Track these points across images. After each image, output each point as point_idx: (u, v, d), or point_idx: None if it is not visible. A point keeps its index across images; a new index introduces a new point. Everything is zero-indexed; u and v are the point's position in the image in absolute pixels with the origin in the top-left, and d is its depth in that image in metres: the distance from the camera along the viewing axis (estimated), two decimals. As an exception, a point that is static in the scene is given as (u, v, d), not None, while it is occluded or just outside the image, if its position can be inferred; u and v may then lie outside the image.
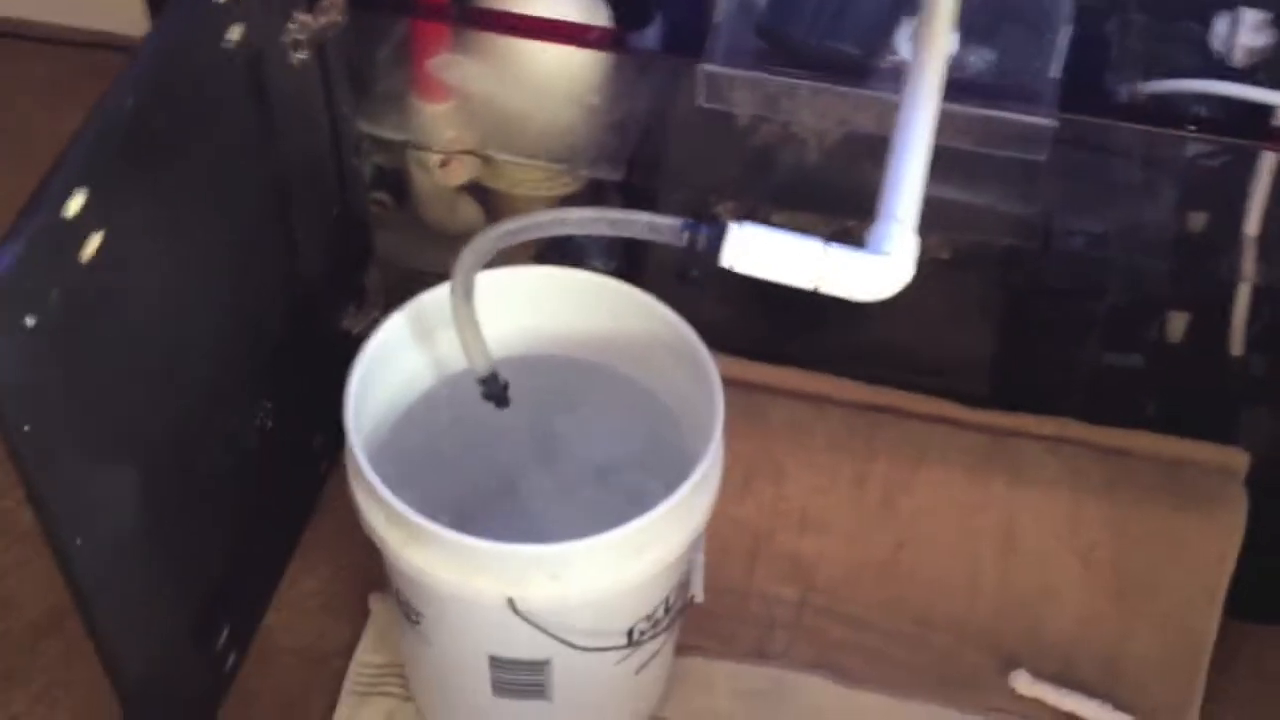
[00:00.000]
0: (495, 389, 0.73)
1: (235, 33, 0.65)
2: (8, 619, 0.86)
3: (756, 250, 0.58)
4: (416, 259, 0.89)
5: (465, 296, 0.68)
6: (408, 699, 0.84)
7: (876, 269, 0.59)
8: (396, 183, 0.91)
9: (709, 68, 0.76)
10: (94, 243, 0.56)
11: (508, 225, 0.63)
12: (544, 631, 0.70)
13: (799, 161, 0.83)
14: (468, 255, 0.65)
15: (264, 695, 0.84)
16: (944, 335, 0.93)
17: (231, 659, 0.79)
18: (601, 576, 0.69)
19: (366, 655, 0.85)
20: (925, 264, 0.90)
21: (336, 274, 0.84)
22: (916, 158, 0.60)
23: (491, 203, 0.91)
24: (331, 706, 0.84)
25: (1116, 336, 0.90)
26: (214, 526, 0.75)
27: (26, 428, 0.54)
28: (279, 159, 0.73)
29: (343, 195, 0.81)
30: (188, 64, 0.62)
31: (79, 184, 0.54)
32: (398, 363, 0.76)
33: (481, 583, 0.68)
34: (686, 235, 0.59)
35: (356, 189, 0.83)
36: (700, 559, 0.80)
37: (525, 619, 0.69)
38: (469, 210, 0.91)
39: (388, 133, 0.85)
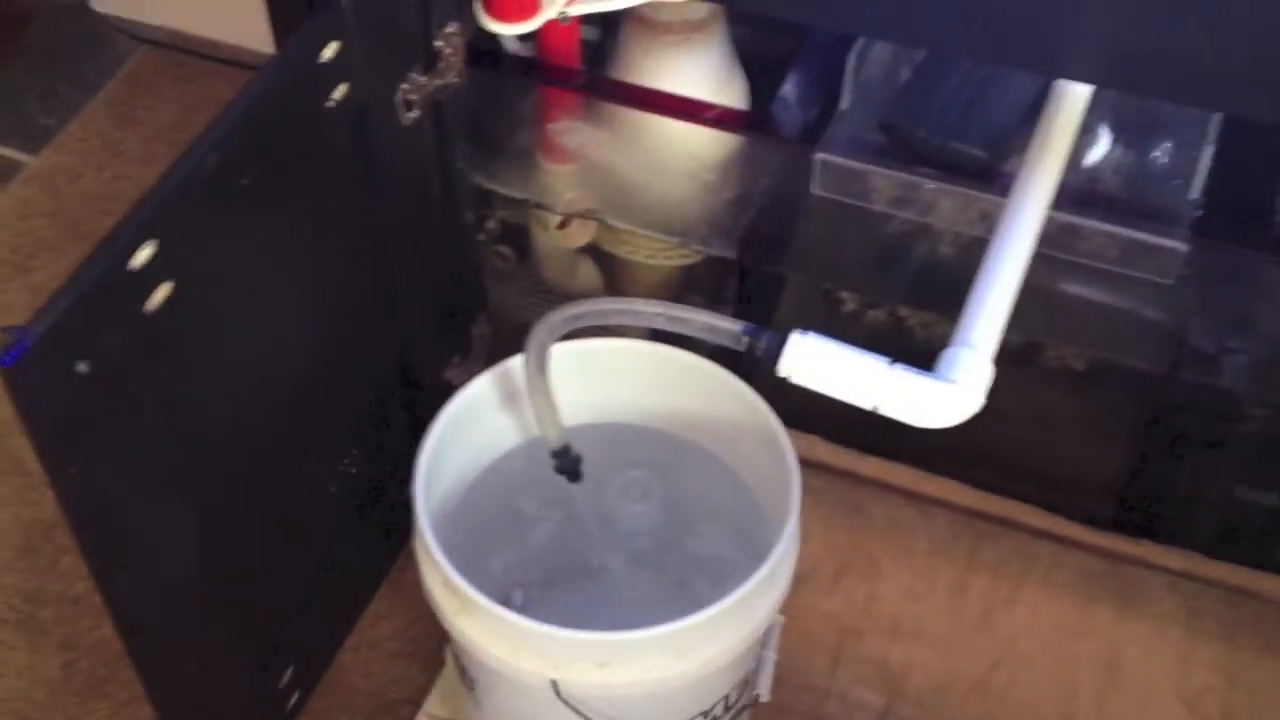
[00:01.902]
0: (568, 463, 0.72)
1: (340, 91, 0.66)
2: (104, 627, 0.88)
3: (817, 363, 0.56)
4: (533, 315, 0.89)
5: (539, 370, 0.67)
6: (468, 757, 0.84)
7: (942, 397, 0.55)
8: (520, 239, 0.91)
9: (824, 157, 0.74)
10: (161, 293, 0.57)
11: (576, 309, 0.62)
12: (588, 719, 0.68)
13: (931, 256, 0.80)
14: (540, 331, 0.65)
15: (329, 735, 0.84)
16: (1068, 449, 0.88)
17: (295, 698, 0.80)
18: (651, 670, 0.67)
19: (434, 708, 0.85)
20: (1058, 372, 0.86)
21: (442, 326, 0.84)
22: (1004, 282, 0.57)
23: (610, 267, 0.90)
24: (394, 753, 0.84)
25: (1254, 471, 0.84)
26: (282, 569, 0.75)
27: (73, 470, 0.55)
28: (382, 213, 0.73)
29: (453, 250, 0.81)
30: (285, 121, 0.63)
31: (148, 236, 0.55)
32: (482, 423, 0.75)
33: (527, 662, 0.67)
34: (746, 340, 0.57)
35: (469, 244, 0.83)
36: (771, 656, 0.77)
37: (569, 704, 0.68)
38: (587, 272, 0.91)
39: (510, 191, 0.86)
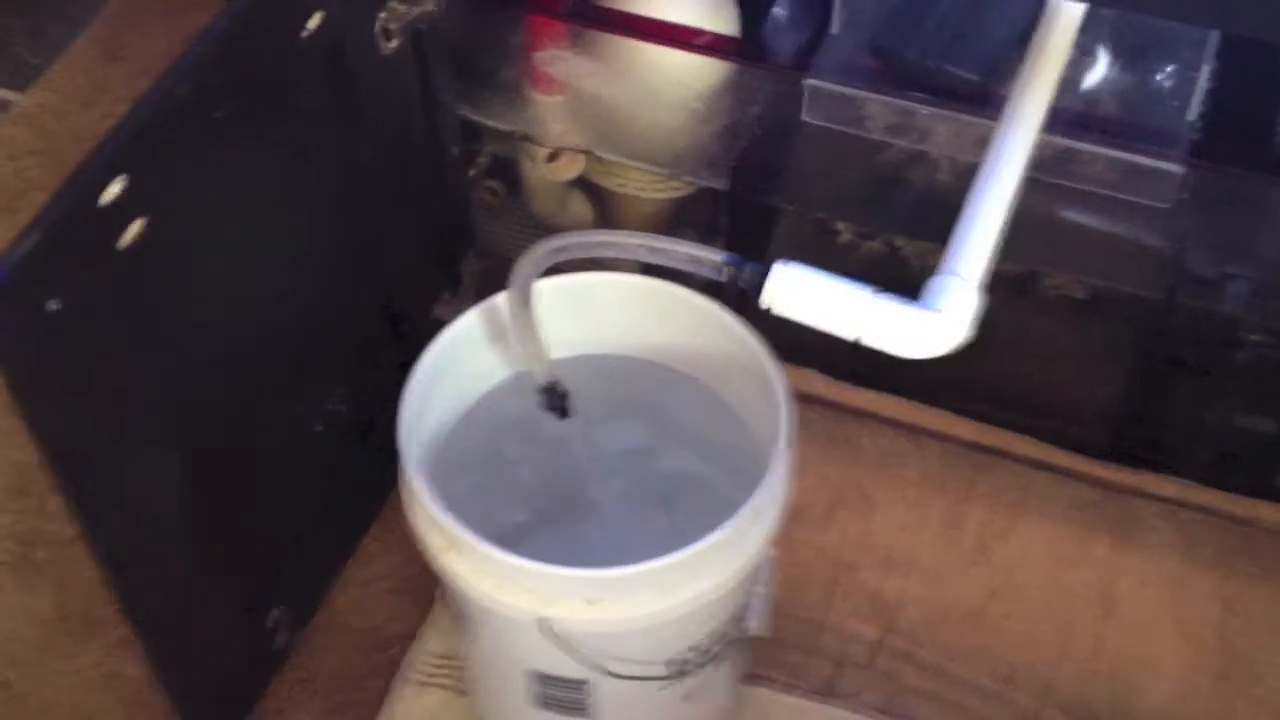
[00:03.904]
0: (555, 400, 0.71)
1: (314, 21, 0.65)
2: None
3: (799, 293, 0.55)
4: (524, 249, 0.88)
5: (523, 305, 0.66)
6: (462, 693, 0.83)
7: (926, 326, 0.54)
8: (509, 173, 0.90)
9: (814, 83, 0.73)
10: (134, 229, 0.56)
11: (558, 242, 0.61)
12: (577, 655, 0.68)
13: (927, 184, 0.78)
14: (523, 266, 0.64)
15: (321, 675, 0.84)
16: (1065, 378, 0.87)
17: (282, 638, 0.79)
18: (641, 606, 0.67)
19: (428, 644, 0.85)
20: (1055, 301, 0.85)
21: (430, 262, 0.83)
22: (992, 208, 0.55)
23: (601, 200, 0.89)
24: (386, 692, 0.83)
25: (1253, 398, 0.83)
26: (269, 508, 0.75)
27: (45, 409, 0.54)
28: (363, 147, 0.72)
29: (439, 184, 0.80)
30: (257, 52, 0.62)
31: (118, 170, 0.54)
32: (469, 359, 0.74)
33: (515, 599, 0.67)
34: (729, 270, 0.55)
35: (455, 178, 0.82)
36: (764, 590, 0.77)
37: (557, 641, 0.67)
38: (579, 205, 0.90)
39: (496, 123, 0.84)
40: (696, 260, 0.56)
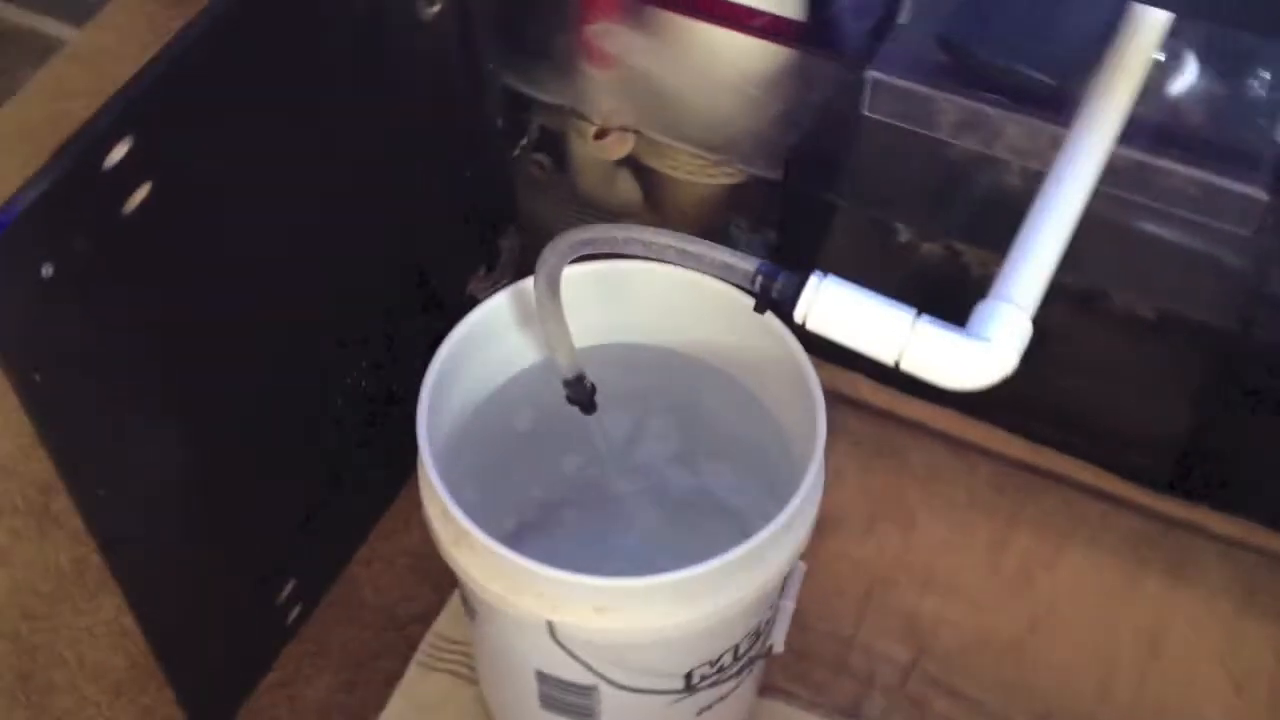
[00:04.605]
0: (580, 393, 0.68)
1: (349, -17, 0.61)
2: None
3: (836, 310, 0.51)
4: (567, 227, 0.86)
5: (550, 295, 0.63)
6: (473, 681, 0.81)
7: (971, 356, 0.50)
8: (558, 147, 0.86)
9: (878, 76, 0.68)
10: (140, 194, 0.54)
11: (585, 234, 0.58)
12: (585, 663, 0.65)
13: (995, 188, 0.73)
14: (550, 255, 0.60)
15: (333, 650, 0.82)
16: (1127, 402, 0.82)
17: (295, 611, 0.77)
18: (653, 618, 0.64)
19: (443, 628, 0.83)
20: (1122, 320, 0.80)
21: (466, 236, 0.79)
22: (1053, 230, 0.51)
23: (649, 182, 0.85)
24: (398, 672, 0.81)
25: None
26: (282, 483, 0.72)
27: (37, 377, 0.52)
28: (398, 114, 0.69)
29: (480, 156, 0.77)
30: (287, 12, 0.59)
31: (122, 133, 0.52)
32: (497, 342, 0.71)
33: (524, 601, 0.64)
34: (760, 281, 0.51)
35: (498, 150, 0.78)
36: (789, 605, 0.73)
37: (564, 647, 0.64)
38: (626, 186, 0.86)
39: (545, 95, 0.81)
40: (727, 267, 0.52)
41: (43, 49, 1.13)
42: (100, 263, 0.53)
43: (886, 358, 0.51)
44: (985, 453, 0.83)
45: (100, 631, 0.82)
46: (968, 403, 0.83)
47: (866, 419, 0.83)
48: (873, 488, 0.82)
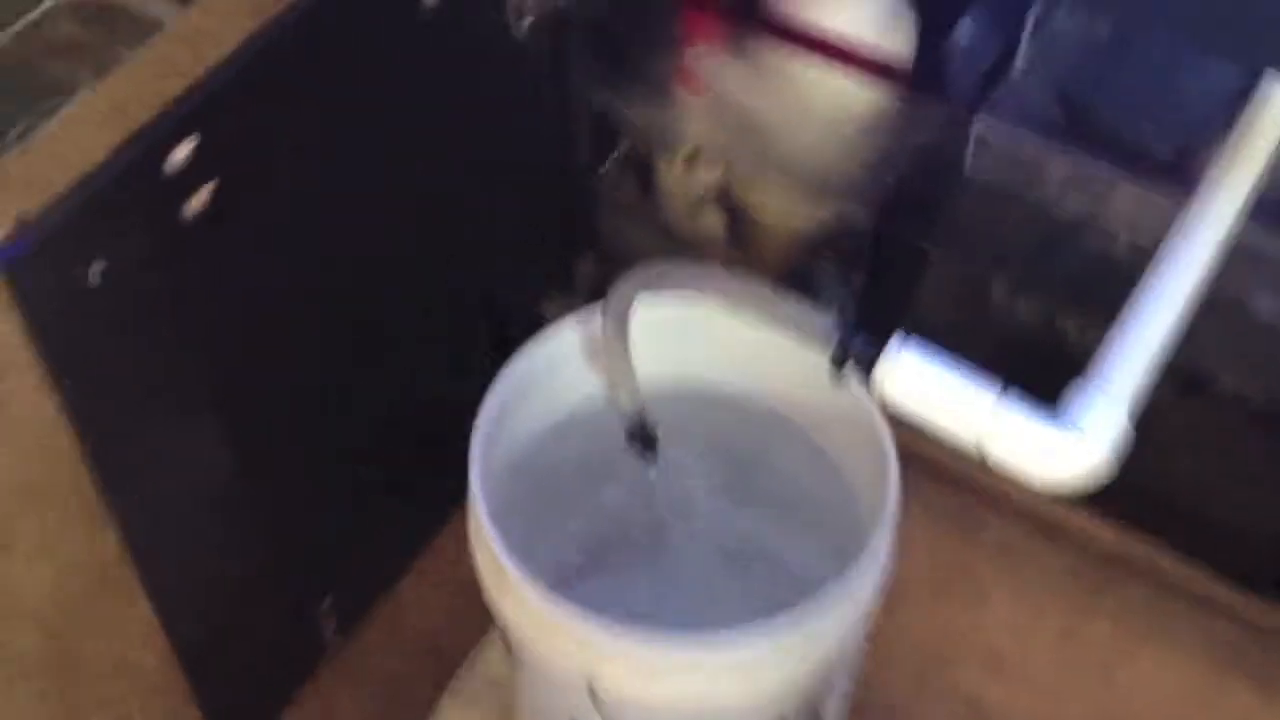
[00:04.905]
0: (641, 433, 0.65)
1: (434, -2, 0.58)
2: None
3: (914, 383, 0.46)
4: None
5: (617, 330, 0.59)
6: (510, 721, 0.78)
7: (1060, 447, 0.45)
8: (644, 173, 0.82)
9: (985, 126, 0.64)
10: (202, 197, 0.51)
11: (657, 272, 0.54)
12: (623, 726, 0.61)
13: (1101, 255, 0.68)
14: (620, 290, 0.57)
15: (371, 672, 0.79)
16: (1230, 493, 0.77)
17: (332, 627, 0.75)
18: (699, 687, 0.60)
19: (483, 664, 0.79)
20: (1230, 406, 0.74)
21: (542, 257, 0.76)
22: (1161, 316, 0.46)
23: (736, 217, 0.81)
24: (433, 700, 0.78)
25: None
26: (328, 500, 0.70)
27: (74, 383, 0.49)
28: (479, 127, 0.66)
29: (562, 176, 0.73)
30: (367, 17, 0.56)
31: (186, 131, 0.49)
32: (561, 371, 0.68)
33: (565, 654, 0.60)
34: (835, 343, 0.47)
35: (581, 171, 0.75)
36: (845, 682, 0.69)
37: (603, 708, 0.60)
38: (711, 220, 0.82)
39: (634, 116, 0.77)
40: (800, 323, 0.48)
41: (143, 28, 1.12)
42: (152, 268, 0.50)
43: (966, 441, 0.46)
44: (1067, 533, 0.78)
45: (133, 630, 0.80)
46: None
47: (940, 483, 0.79)
48: (942, 558, 0.78)
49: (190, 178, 0.50)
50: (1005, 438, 0.46)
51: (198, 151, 0.50)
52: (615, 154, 0.82)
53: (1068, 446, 0.45)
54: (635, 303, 0.59)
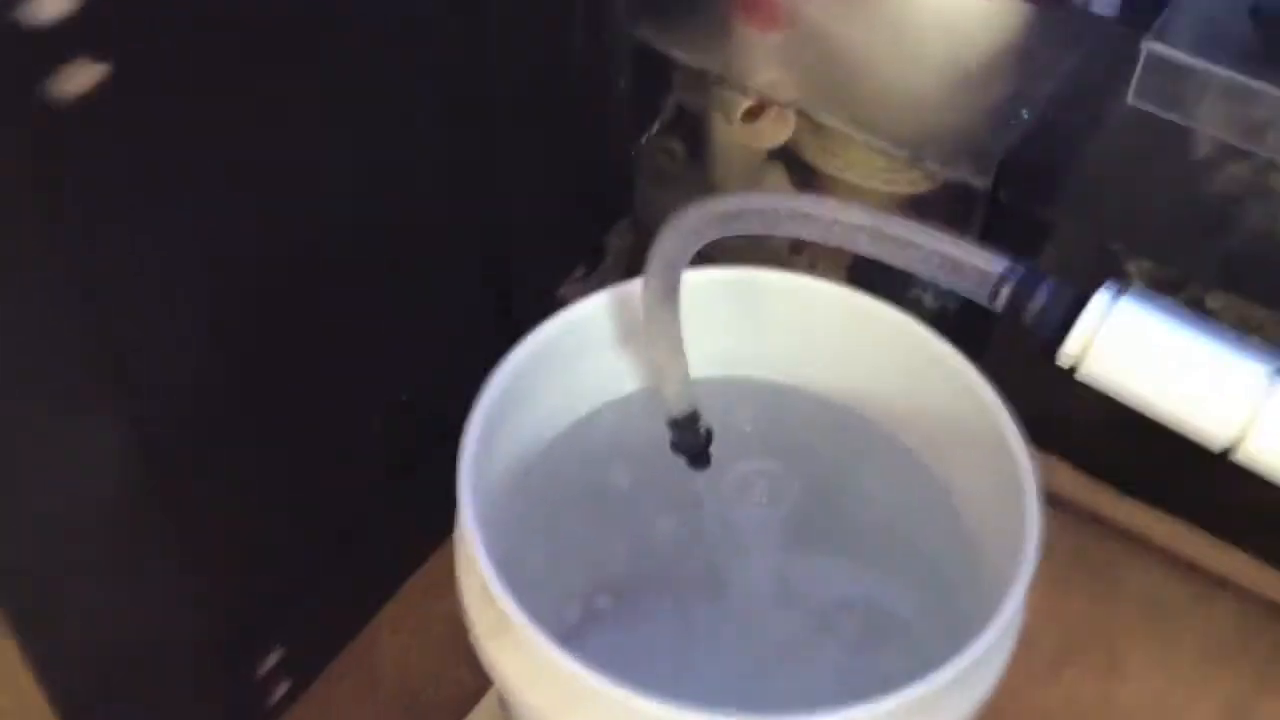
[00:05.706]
0: (691, 440, 0.52)
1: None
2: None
3: (1134, 347, 0.32)
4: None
5: (664, 300, 0.46)
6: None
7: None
8: (694, 130, 0.72)
9: (1157, 47, 0.51)
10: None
11: (729, 204, 0.40)
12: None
13: (1272, 228, 0.59)
14: (669, 239, 0.43)
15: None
16: None
17: (283, 689, 0.62)
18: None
19: (479, 726, 0.67)
20: None
21: (566, 227, 0.66)
22: None
23: (807, 182, 0.70)
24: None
25: None
26: (273, 517, 0.57)
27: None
28: (495, 71, 0.55)
29: (594, 132, 0.64)
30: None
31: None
32: (588, 359, 0.57)
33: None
34: (1007, 292, 0.32)
35: (619, 127, 0.66)
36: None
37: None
38: (777, 184, 0.71)
39: (687, 57, 0.66)
40: (956, 266, 0.34)
41: None
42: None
43: (1219, 435, 0.31)
44: (1227, 584, 0.66)
45: None
46: (1210, 513, 0.66)
47: (1066, 520, 0.68)
48: (1068, 614, 0.67)
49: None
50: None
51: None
52: (661, 110, 0.71)
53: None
54: (689, 259, 0.45)
